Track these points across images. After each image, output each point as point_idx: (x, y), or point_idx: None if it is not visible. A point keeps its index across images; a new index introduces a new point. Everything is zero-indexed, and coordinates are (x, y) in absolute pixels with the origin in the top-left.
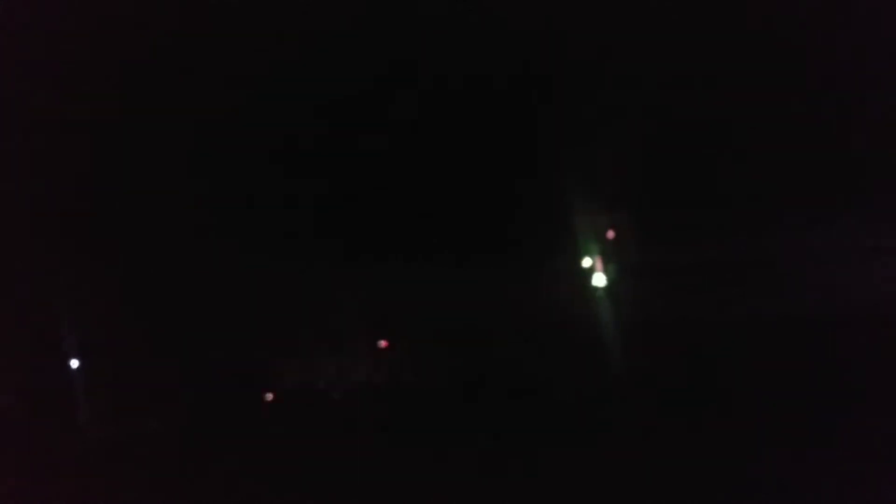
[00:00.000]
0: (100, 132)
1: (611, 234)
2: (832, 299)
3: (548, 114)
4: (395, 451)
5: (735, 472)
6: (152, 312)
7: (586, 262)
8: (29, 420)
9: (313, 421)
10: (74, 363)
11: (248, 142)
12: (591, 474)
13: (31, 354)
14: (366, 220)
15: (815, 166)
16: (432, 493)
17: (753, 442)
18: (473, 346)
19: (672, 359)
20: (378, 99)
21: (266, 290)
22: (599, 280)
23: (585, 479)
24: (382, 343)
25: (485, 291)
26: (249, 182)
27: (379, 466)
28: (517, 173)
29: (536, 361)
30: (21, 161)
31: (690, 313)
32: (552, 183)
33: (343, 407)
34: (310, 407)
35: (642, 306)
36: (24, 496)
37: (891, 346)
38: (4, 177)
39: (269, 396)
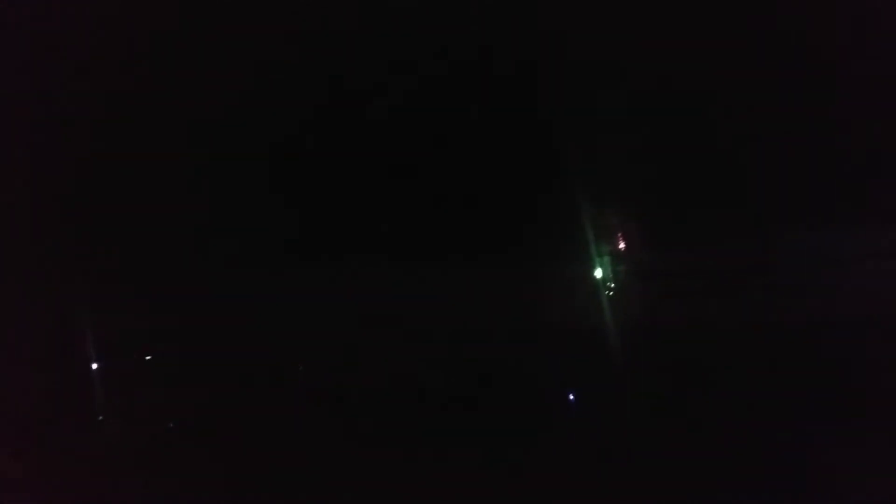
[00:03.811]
0: (116, 131)
1: (619, 237)
2: (841, 304)
3: (555, 114)
4: (395, 450)
5: (737, 476)
6: (171, 313)
7: (594, 266)
8: (49, 419)
9: (321, 421)
10: (94, 365)
11: (252, 143)
12: (592, 476)
13: (51, 356)
14: (374, 222)
15: (822, 170)
16: (431, 493)
17: (757, 447)
18: (477, 346)
19: (678, 363)
20: (382, 98)
21: (274, 288)
22: (607, 283)
23: (586, 481)
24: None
25: (490, 293)
26: (255, 180)
27: (380, 467)
28: (524, 175)
29: (542, 364)
30: (34, 162)
31: (698, 317)
32: (560, 185)
33: (348, 407)
34: (319, 407)
35: (650, 310)
36: (44, 493)
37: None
38: (20, 178)
39: None
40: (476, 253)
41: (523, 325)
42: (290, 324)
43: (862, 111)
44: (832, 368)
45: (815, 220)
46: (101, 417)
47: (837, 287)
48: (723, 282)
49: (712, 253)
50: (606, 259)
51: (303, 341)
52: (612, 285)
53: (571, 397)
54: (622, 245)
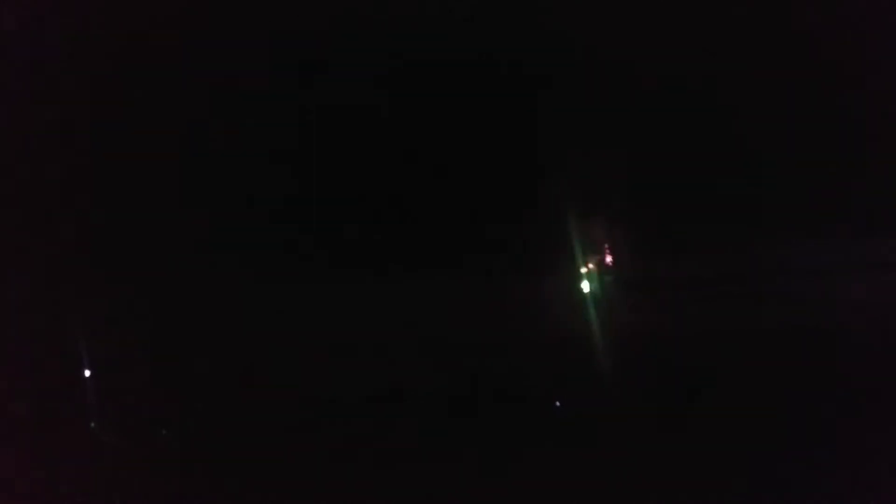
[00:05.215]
0: (117, 139)
1: (608, 244)
2: (838, 314)
3: (543, 116)
4: (392, 456)
5: (730, 483)
6: (165, 321)
7: (582, 273)
8: (42, 426)
9: (319, 428)
10: (87, 373)
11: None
12: (583, 483)
13: (44, 363)
14: (356, 225)
15: (819, 177)
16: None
17: (752, 457)
18: (465, 354)
19: (669, 372)
20: (363, 100)
21: (266, 297)
22: (595, 291)
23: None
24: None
25: (477, 300)
26: (250, 189)
27: (379, 471)
28: (511, 179)
29: (530, 372)
30: (32, 169)
31: (688, 326)
32: (548, 190)
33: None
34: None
35: (638, 318)
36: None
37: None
38: (14, 185)
39: None
40: (461, 262)
41: (510, 337)
42: (282, 330)
43: (861, 117)
44: (828, 379)
45: (811, 229)
46: (92, 424)
47: (834, 296)
48: (715, 291)
49: (705, 262)
50: (594, 269)
51: (294, 348)
52: (601, 296)
53: (559, 407)
54: (609, 256)
